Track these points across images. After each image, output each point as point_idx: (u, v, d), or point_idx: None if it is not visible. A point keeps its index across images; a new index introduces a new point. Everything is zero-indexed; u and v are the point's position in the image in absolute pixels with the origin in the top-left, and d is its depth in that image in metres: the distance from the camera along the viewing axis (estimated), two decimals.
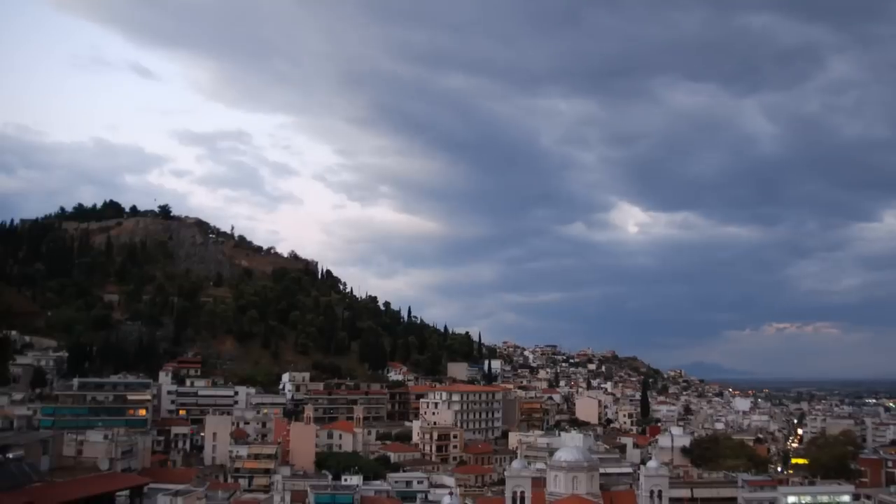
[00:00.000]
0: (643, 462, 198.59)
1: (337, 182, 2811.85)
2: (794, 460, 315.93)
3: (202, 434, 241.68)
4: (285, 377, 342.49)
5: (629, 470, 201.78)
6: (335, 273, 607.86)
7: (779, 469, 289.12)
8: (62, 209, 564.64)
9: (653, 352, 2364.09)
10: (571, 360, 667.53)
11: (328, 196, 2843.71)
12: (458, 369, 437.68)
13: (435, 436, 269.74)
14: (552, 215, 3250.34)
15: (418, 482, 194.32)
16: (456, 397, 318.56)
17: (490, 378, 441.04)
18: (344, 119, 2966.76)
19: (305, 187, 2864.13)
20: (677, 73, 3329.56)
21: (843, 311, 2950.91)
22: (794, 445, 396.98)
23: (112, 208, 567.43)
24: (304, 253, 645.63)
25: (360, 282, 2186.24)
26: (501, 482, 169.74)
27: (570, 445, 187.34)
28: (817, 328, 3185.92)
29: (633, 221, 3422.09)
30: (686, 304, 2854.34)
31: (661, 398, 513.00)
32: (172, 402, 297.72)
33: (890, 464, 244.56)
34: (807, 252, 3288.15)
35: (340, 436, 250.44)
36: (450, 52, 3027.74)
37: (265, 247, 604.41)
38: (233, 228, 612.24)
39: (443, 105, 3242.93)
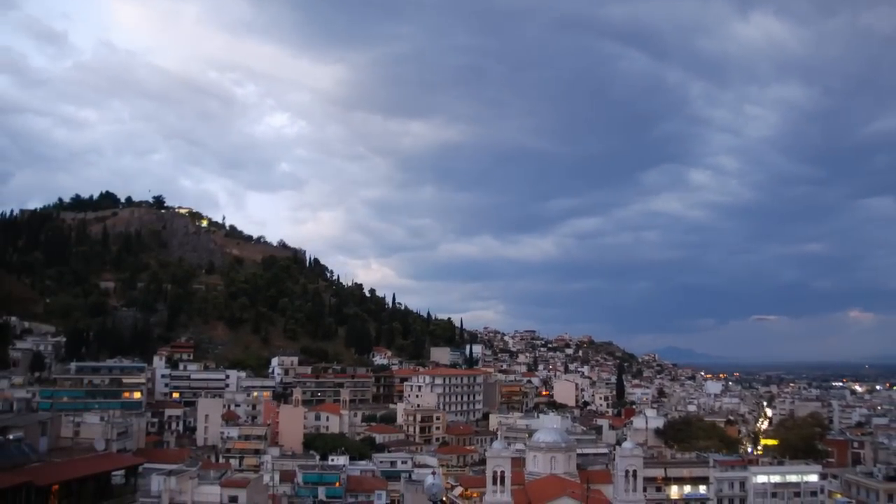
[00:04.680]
0: (618, 443, 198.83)
1: (407, 147, 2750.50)
2: (763, 441, 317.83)
3: (196, 416, 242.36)
4: (274, 361, 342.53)
5: (605, 450, 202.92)
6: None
7: (749, 449, 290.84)
8: (60, 200, 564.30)
9: (682, 338, 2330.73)
10: (549, 345, 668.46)
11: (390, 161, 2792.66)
12: (441, 354, 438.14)
13: (418, 418, 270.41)
14: (667, 181, 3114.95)
15: (402, 462, 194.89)
16: (439, 381, 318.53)
17: (471, 362, 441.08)
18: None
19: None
20: None
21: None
22: (764, 427, 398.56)
23: (108, 199, 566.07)
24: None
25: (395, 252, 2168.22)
26: (482, 462, 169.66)
27: (549, 427, 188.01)
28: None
29: (755, 186, 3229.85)
30: (733, 289, 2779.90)
31: (636, 382, 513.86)
32: (166, 385, 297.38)
33: (856, 444, 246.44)
34: None
35: (327, 418, 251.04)
36: None
37: (255, 235, 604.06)
38: (224, 218, 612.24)
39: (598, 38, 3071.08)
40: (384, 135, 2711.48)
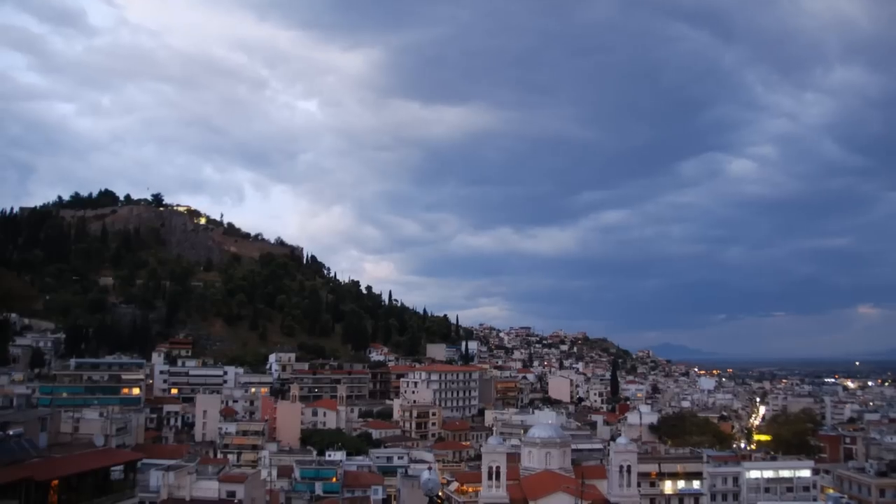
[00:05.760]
0: (613, 438, 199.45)
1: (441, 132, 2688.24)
2: (756, 436, 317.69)
3: (194, 412, 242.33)
4: (272, 357, 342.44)
5: (599, 446, 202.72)
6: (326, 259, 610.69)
7: (742, 445, 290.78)
8: (59, 198, 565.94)
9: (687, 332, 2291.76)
10: (544, 342, 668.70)
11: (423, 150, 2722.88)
12: (437, 350, 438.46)
13: (415, 413, 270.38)
14: (705, 172, 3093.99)
15: (399, 458, 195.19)
16: (435, 377, 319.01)
17: (467, 358, 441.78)
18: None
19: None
20: None
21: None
22: (757, 423, 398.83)
23: (107, 196, 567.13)
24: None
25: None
26: (478, 458, 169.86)
27: (544, 423, 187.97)
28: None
29: (798, 176, 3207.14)
30: (745, 285, 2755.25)
31: (630, 378, 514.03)
32: (164, 381, 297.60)
33: (848, 440, 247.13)
34: None
35: (324, 413, 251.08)
36: None
37: (253, 233, 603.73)
38: (222, 216, 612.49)
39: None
40: (414, 123, 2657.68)
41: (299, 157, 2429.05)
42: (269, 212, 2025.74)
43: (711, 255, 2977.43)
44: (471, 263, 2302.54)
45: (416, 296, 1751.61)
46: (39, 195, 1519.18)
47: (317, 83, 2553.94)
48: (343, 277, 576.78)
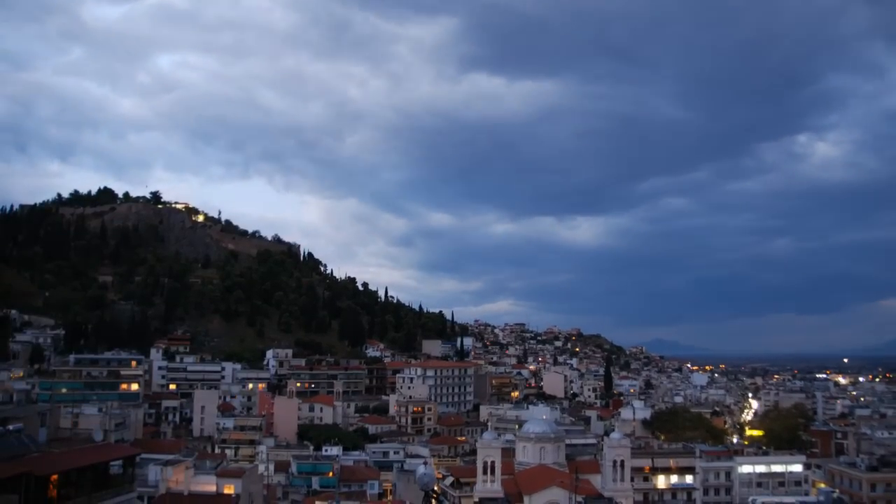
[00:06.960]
0: (606, 433, 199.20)
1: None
2: (748, 432, 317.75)
3: (192, 407, 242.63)
4: (269, 353, 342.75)
5: (593, 441, 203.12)
6: (317, 255, 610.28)
7: (734, 440, 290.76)
8: (59, 195, 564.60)
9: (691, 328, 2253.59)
10: (539, 338, 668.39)
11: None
12: (433, 346, 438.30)
13: (410, 409, 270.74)
14: (787, 156, 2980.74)
15: (395, 452, 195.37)
16: (430, 373, 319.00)
17: (462, 354, 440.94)
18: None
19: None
20: None
21: None
22: (749, 418, 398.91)
23: (106, 194, 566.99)
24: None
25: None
26: (473, 452, 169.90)
27: (538, 418, 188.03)
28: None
29: (889, 160, 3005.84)
30: (773, 281, 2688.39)
31: (624, 373, 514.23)
32: (163, 377, 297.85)
33: (839, 435, 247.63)
34: None
35: (321, 409, 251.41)
36: None
37: (251, 230, 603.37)
38: (220, 213, 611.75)
39: None
40: (480, 101, 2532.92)
41: (346, 139, 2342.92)
42: (298, 201, 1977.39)
43: (754, 247, 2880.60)
44: (497, 254, 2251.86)
45: (432, 290, 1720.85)
46: (82, 180, 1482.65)
47: (383, 54, 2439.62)
48: (340, 274, 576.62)
